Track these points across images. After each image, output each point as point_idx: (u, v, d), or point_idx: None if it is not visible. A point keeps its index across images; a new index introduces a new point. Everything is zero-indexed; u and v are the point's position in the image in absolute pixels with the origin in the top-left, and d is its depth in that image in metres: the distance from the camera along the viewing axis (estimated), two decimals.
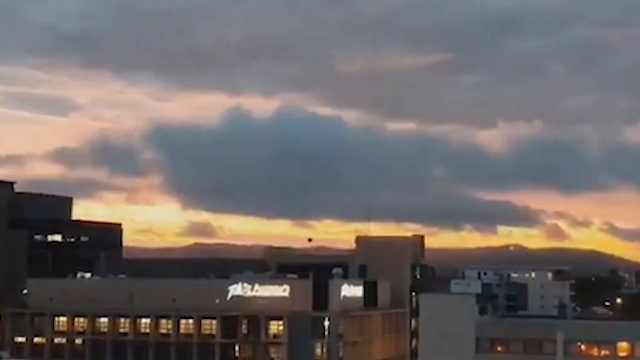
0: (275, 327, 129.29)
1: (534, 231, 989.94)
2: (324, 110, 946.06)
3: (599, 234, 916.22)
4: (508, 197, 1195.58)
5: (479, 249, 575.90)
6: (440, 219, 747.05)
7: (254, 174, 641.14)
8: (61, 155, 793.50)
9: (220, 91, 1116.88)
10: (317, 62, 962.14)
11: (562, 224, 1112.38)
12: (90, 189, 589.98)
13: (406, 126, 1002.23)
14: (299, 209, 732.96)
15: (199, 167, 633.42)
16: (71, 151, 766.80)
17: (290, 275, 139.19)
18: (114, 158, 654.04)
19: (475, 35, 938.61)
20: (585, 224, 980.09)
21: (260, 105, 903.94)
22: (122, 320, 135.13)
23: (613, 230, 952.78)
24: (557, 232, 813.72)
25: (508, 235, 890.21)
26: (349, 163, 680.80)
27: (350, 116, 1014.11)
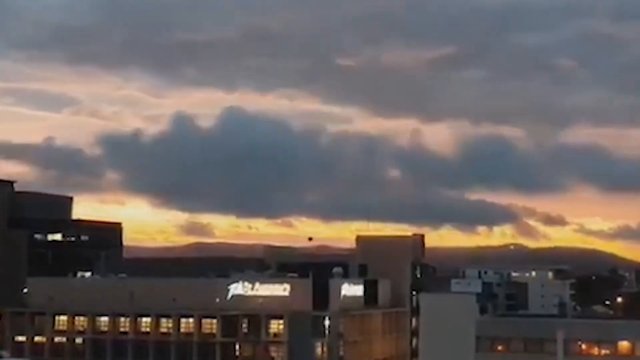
0: (276, 326, 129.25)
1: (509, 230, 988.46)
2: (320, 106, 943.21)
3: (571, 233, 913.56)
4: (486, 196, 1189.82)
5: (479, 247, 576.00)
6: (419, 219, 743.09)
7: (217, 174, 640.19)
8: (27, 152, 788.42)
9: (215, 87, 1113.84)
10: (315, 57, 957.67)
11: (534, 223, 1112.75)
12: (53, 188, 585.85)
13: (398, 122, 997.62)
14: (272, 208, 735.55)
15: (163, 168, 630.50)
16: (43, 148, 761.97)
17: (290, 275, 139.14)
18: (83, 156, 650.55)
19: (477, 29, 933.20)
20: (558, 222, 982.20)
21: (256, 101, 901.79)
22: (122, 319, 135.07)
23: (583, 230, 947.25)
24: (529, 231, 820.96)
25: (488, 235, 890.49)
26: (317, 162, 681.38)
27: (346, 112, 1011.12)
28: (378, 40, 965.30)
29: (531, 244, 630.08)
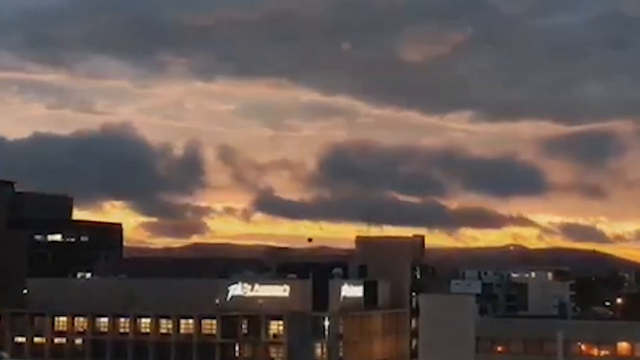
0: (275, 327, 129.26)
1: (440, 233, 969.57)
2: (314, 97, 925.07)
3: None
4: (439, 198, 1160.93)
5: (480, 248, 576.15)
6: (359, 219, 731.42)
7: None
8: None
9: (199, 79, 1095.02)
10: (310, 46, 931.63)
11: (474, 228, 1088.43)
12: None
13: (389, 113, 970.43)
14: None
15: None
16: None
17: (290, 275, 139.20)
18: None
19: (491, 13, 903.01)
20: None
21: (245, 93, 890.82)
22: (122, 320, 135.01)
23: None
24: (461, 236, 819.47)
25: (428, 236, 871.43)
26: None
27: (341, 102, 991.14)
28: (379, 28, 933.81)
29: (530, 245, 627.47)
